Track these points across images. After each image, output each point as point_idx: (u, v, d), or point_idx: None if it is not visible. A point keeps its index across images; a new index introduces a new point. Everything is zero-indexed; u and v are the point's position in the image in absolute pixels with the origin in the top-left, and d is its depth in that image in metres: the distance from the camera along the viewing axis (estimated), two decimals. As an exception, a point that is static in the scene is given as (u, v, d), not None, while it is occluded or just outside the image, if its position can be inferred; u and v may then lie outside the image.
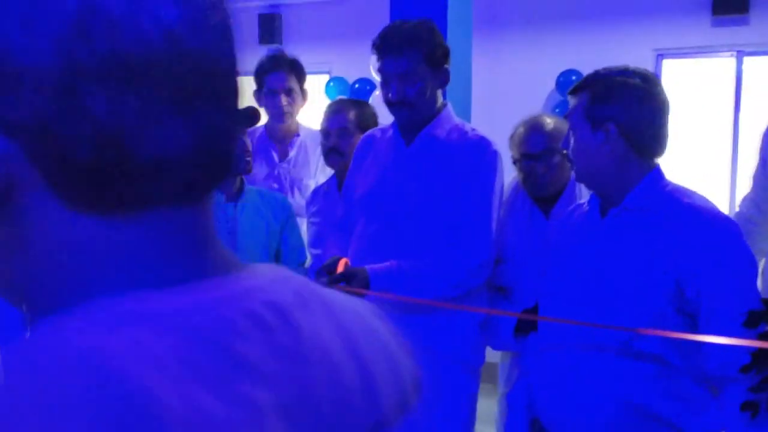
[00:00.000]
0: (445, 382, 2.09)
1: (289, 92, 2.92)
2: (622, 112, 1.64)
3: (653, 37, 4.90)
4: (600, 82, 1.68)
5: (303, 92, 3.00)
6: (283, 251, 2.50)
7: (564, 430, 1.71)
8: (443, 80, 2.09)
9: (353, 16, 5.62)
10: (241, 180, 2.47)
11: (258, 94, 2.98)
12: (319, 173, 2.95)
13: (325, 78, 5.82)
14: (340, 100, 2.68)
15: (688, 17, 4.77)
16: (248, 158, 2.44)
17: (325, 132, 2.56)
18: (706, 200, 1.65)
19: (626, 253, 1.62)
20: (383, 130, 2.23)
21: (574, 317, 1.64)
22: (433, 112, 2.10)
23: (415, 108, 2.05)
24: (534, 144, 2.19)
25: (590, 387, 1.63)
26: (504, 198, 2.24)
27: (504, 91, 5.12)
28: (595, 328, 1.59)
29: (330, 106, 2.63)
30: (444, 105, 2.14)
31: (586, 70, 1.80)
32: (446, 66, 2.08)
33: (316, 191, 2.71)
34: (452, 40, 3.71)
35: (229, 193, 2.41)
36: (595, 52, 4.87)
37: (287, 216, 2.50)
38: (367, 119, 2.54)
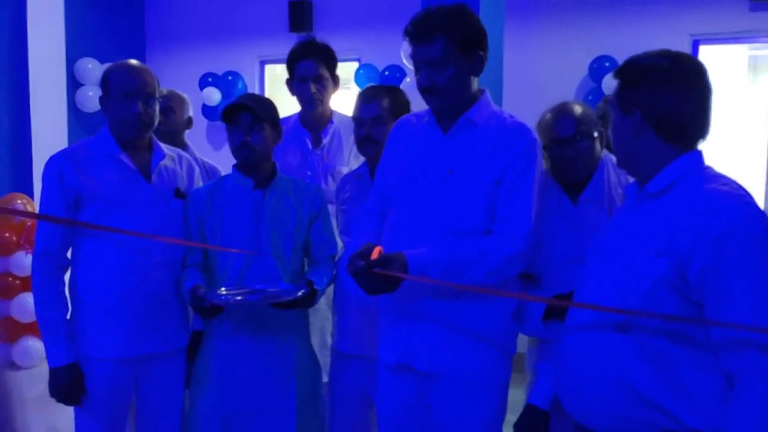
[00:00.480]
0: (480, 367, 2.09)
1: (319, 79, 2.92)
2: (649, 97, 1.63)
3: (689, 22, 4.83)
4: (630, 67, 1.69)
5: (334, 79, 3.00)
6: (314, 242, 2.50)
7: (573, 409, 1.73)
8: (478, 66, 2.05)
9: (383, 3, 5.62)
10: (273, 167, 2.47)
11: (290, 82, 3.00)
12: (352, 160, 2.94)
13: (355, 65, 5.83)
14: (373, 88, 2.65)
15: (726, 1, 4.69)
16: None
17: (359, 121, 2.54)
18: (732, 185, 1.59)
19: (639, 238, 1.62)
20: (418, 116, 2.20)
21: (598, 301, 1.64)
22: (468, 98, 2.07)
23: (447, 95, 2.02)
24: (563, 129, 2.18)
25: (592, 368, 1.65)
26: None
27: (536, 78, 5.08)
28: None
29: (362, 94, 2.61)
30: (482, 91, 2.12)
31: (620, 56, 1.80)
32: (480, 51, 2.04)
33: (346, 178, 2.71)
34: (484, 26, 3.73)
35: (258, 180, 2.42)
36: (630, 38, 4.82)
37: (318, 208, 2.49)
38: (401, 106, 2.51)
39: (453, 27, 1.98)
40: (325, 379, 2.65)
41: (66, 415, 2.58)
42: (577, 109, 2.22)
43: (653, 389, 1.56)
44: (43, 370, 4.74)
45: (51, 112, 5.53)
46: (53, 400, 2.44)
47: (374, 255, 1.92)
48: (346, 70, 5.86)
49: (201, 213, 2.44)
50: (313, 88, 2.90)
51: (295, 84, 2.96)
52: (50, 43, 5.53)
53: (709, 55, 4.94)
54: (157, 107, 2.41)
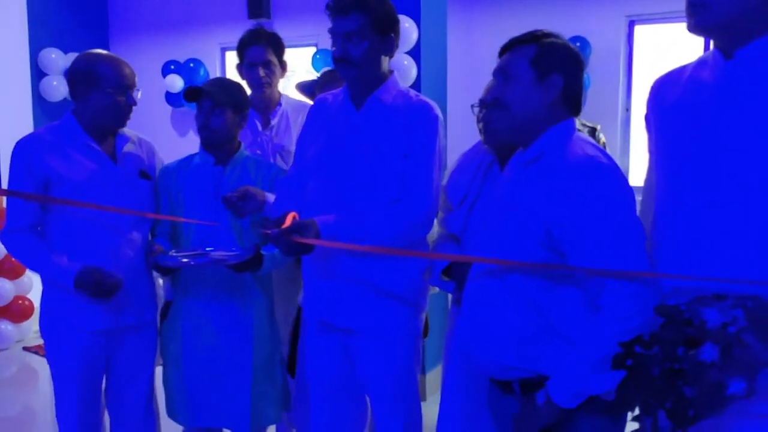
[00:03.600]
0: (393, 322, 2.29)
1: (267, 64, 3.08)
2: (568, 65, 1.78)
3: (625, 3, 5.03)
4: (547, 37, 1.81)
5: (282, 64, 3.17)
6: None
7: (473, 354, 1.89)
8: (389, 48, 2.23)
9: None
10: (237, 146, 2.63)
11: (240, 66, 3.16)
12: None
13: (313, 50, 6.02)
14: (330, 71, 2.81)
15: None
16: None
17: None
18: (590, 151, 1.74)
19: (512, 202, 1.79)
20: (335, 95, 2.38)
21: (486, 255, 1.84)
22: (379, 78, 2.25)
23: (358, 67, 2.20)
24: (488, 91, 2.29)
25: (479, 315, 1.84)
26: (465, 154, 2.41)
27: (479, 61, 5.27)
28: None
29: (322, 76, 2.77)
30: (390, 72, 2.30)
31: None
32: (392, 34, 2.22)
33: None
34: (427, 11, 3.92)
35: (219, 157, 2.58)
36: (567, 19, 5.05)
37: (273, 175, 2.61)
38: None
39: (369, 6, 2.16)
40: None
41: (40, 394, 2.66)
42: None
43: (531, 333, 1.73)
44: (15, 351, 4.89)
45: (15, 102, 5.63)
46: (28, 381, 2.56)
47: (288, 221, 2.10)
48: (304, 55, 6.07)
49: (169, 186, 2.60)
50: (261, 72, 3.06)
51: (244, 69, 3.12)
52: (13, 33, 5.62)
53: (644, 35, 5.18)
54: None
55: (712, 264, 1.58)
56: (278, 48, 3.15)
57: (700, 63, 1.72)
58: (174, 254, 2.44)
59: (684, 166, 1.66)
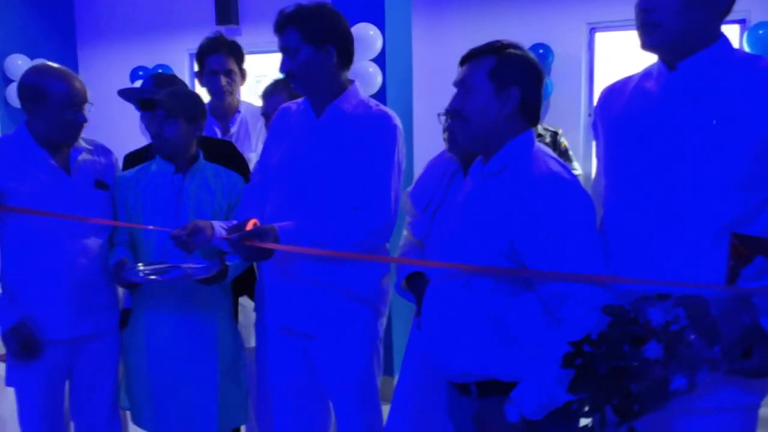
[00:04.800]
0: (353, 325, 2.33)
1: (228, 73, 3.13)
2: (526, 77, 1.80)
3: (585, 11, 5.13)
4: (505, 48, 1.83)
5: (242, 72, 3.21)
6: None
7: (435, 357, 1.91)
8: (330, 59, 2.25)
9: (306, -4, 5.83)
10: (195, 154, 2.63)
11: (200, 74, 3.19)
12: (259, 146, 3.12)
13: (280, 56, 6.03)
14: (274, 83, 2.83)
15: None
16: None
17: (265, 114, 2.74)
18: (553, 166, 1.77)
19: (476, 213, 1.81)
20: (298, 104, 2.43)
21: (442, 260, 1.88)
22: (336, 88, 2.30)
23: (300, 80, 2.27)
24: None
25: (442, 320, 1.86)
26: (431, 161, 2.45)
27: (444, 68, 5.32)
28: (448, 270, 1.84)
29: (265, 90, 2.80)
30: (350, 82, 2.35)
31: (523, 44, 1.92)
32: (330, 46, 2.24)
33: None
34: (391, 18, 3.97)
35: (179, 165, 2.58)
36: (531, 26, 5.15)
37: (237, 193, 2.60)
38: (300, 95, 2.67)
39: (302, 21, 2.22)
40: None
41: (8, 402, 2.64)
42: None
43: (489, 341, 1.77)
44: (-17, 360, 4.77)
45: (-19, 109, 5.59)
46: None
47: (249, 227, 2.13)
48: (273, 61, 6.07)
49: (126, 195, 2.59)
50: (223, 80, 3.10)
51: (205, 76, 3.14)
52: (-21, 40, 5.58)
53: (604, 41, 5.29)
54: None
55: (655, 266, 1.65)
56: (238, 56, 3.19)
57: (646, 74, 1.80)
58: (141, 268, 2.44)
59: (629, 171, 1.73)
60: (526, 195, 1.72)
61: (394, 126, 2.28)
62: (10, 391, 2.61)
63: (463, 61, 1.86)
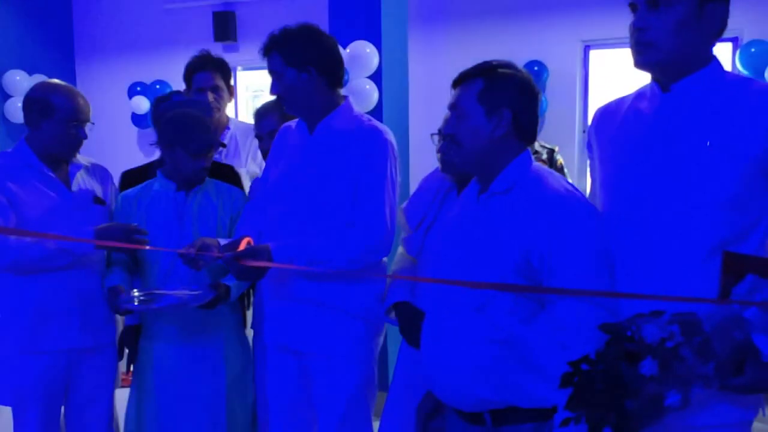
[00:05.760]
0: (348, 343, 2.32)
1: (215, 89, 3.15)
2: (517, 99, 1.78)
3: (580, 28, 5.18)
4: (494, 70, 1.78)
5: (229, 88, 3.24)
6: None
7: (439, 390, 1.86)
8: (314, 80, 2.27)
9: (303, 15, 5.86)
10: None
11: (187, 92, 3.19)
12: (249, 162, 3.19)
13: (278, 73, 6.07)
14: (265, 105, 2.83)
15: (615, 8, 5.03)
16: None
17: (258, 137, 2.76)
18: (564, 185, 1.78)
19: (488, 232, 1.78)
20: (297, 123, 2.44)
21: (454, 288, 1.81)
22: (327, 105, 2.31)
23: (288, 100, 2.31)
24: (445, 124, 2.31)
25: (451, 349, 1.80)
26: (426, 178, 2.46)
27: (440, 85, 5.34)
28: (455, 293, 1.81)
29: (257, 112, 2.81)
30: (344, 98, 2.37)
31: (518, 62, 1.91)
32: (312, 67, 2.25)
33: (256, 181, 2.87)
34: (387, 36, 4.01)
35: (181, 183, 2.58)
36: (526, 44, 5.20)
37: (239, 208, 2.61)
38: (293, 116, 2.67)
39: (283, 45, 2.25)
40: None
41: (4, 416, 2.65)
42: None
43: (506, 366, 1.73)
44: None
45: (-20, 124, 5.60)
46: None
47: (242, 246, 2.15)
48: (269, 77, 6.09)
49: (130, 214, 2.59)
50: (210, 97, 3.11)
51: (192, 94, 3.15)
52: (-23, 56, 5.60)
53: (599, 59, 5.35)
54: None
55: (649, 284, 1.67)
56: (225, 73, 3.22)
57: (639, 95, 1.83)
58: (136, 295, 2.43)
59: (624, 191, 1.74)
60: (543, 212, 1.71)
61: (386, 140, 2.28)
62: (5, 410, 2.61)
63: (455, 84, 1.86)
